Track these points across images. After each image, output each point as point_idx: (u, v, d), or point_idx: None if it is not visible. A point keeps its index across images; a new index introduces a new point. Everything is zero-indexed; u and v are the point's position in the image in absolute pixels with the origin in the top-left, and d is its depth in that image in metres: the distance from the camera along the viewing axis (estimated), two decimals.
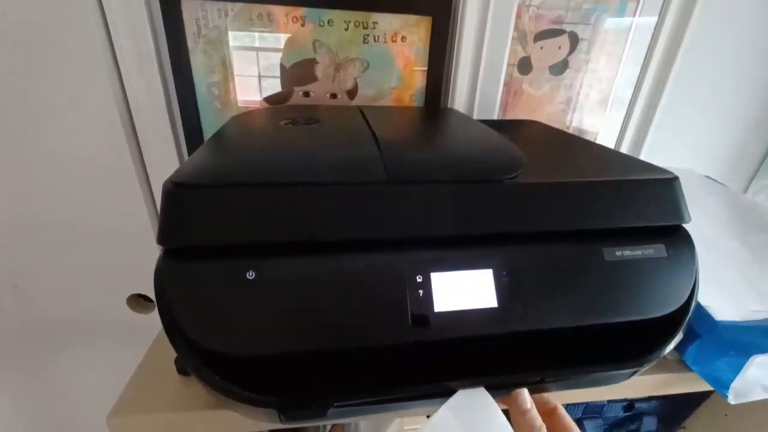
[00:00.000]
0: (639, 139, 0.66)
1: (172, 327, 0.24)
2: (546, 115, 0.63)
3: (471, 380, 0.27)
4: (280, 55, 0.52)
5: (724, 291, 0.35)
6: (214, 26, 0.49)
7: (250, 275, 0.25)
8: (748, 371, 0.32)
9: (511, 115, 0.61)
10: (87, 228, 0.59)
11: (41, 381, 0.77)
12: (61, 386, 0.78)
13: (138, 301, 0.70)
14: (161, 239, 0.25)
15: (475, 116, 0.58)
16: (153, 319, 0.70)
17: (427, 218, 0.27)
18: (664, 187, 0.32)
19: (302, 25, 0.51)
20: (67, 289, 0.65)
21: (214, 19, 0.49)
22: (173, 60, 0.50)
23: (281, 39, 0.51)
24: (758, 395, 0.33)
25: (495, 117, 0.60)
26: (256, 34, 0.51)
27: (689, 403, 0.54)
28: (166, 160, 0.56)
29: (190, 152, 0.56)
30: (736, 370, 0.32)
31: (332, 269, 0.26)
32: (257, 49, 0.51)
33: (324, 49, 0.52)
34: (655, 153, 0.67)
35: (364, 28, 0.52)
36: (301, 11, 0.50)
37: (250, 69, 0.52)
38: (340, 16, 0.51)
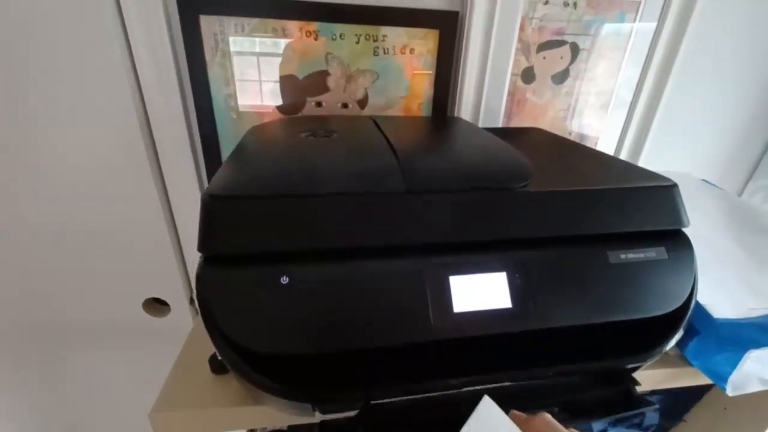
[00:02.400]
0: (638, 144, 0.68)
1: (213, 327, 0.26)
2: (548, 121, 0.65)
3: (488, 375, 0.29)
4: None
5: (722, 290, 0.37)
6: (231, 40, 0.52)
7: (284, 280, 0.27)
8: (745, 365, 0.34)
9: (515, 123, 0.64)
10: (104, 234, 0.61)
11: (58, 384, 0.79)
12: (77, 389, 0.80)
13: (153, 305, 0.72)
14: (201, 247, 0.27)
15: (481, 124, 0.60)
16: (168, 323, 0.72)
17: (444, 225, 0.29)
18: (664, 194, 0.34)
19: (315, 39, 0.53)
20: (84, 293, 0.67)
21: (231, 34, 0.51)
22: (191, 72, 0.52)
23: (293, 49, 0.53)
24: (755, 387, 0.35)
25: (500, 125, 0.62)
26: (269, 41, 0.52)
27: (690, 397, 0.56)
28: (182, 169, 0.58)
29: (206, 161, 0.58)
30: (734, 364, 0.34)
31: (359, 274, 0.28)
32: (269, 54, 0.53)
33: (336, 62, 0.54)
34: (654, 157, 0.69)
35: (374, 41, 0.54)
36: (314, 26, 0.52)
37: (267, 76, 0.54)
38: (352, 30, 0.53)
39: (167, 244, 0.63)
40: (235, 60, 0.52)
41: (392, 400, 0.28)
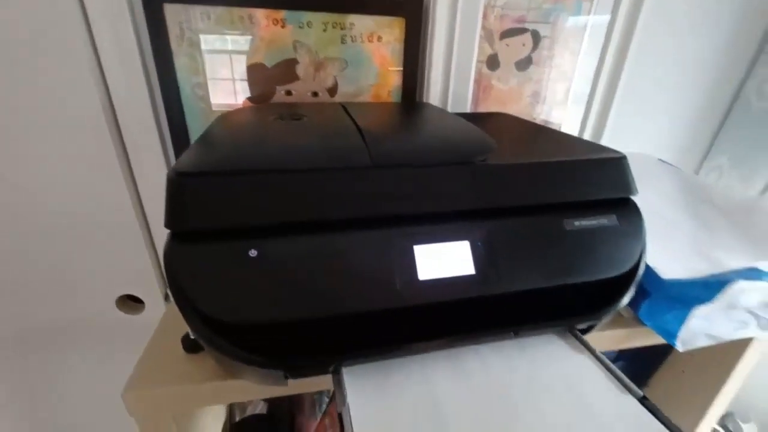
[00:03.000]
0: (599, 128, 0.71)
1: (183, 302, 0.26)
2: (514, 107, 0.67)
3: (455, 338, 0.31)
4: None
5: (671, 255, 0.40)
6: (196, 29, 0.51)
7: (253, 253, 0.27)
8: (692, 322, 0.37)
9: (483, 109, 0.66)
10: (73, 231, 0.60)
11: (34, 387, 0.76)
12: (54, 391, 0.78)
13: (127, 303, 0.70)
14: (168, 224, 0.27)
15: (449, 110, 0.62)
16: (144, 320, 0.71)
17: (409, 198, 0.31)
18: (614, 165, 0.36)
19: (282, 27, 0.53)
20: (54, 293, 0.65)
21: (197, 23, 0.51)
22: (157, 63, 0.52)
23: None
24: (702, 342, 0.38)
25: (468, 110, 0.64)
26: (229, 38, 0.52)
27: (650, 363, 0.59)
28: (152, 161, 0.57)
29: (176, 153, 0.58)
30: (682, 321, 0.37)
31: (326, 246, 0.29)
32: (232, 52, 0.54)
33: (304, 49, 0.55)
34: (615, 140, 0.73)
35: (341, 29, 0.55)
36: (281, 14, 0.52)
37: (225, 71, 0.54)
38: (319, 18, 0.54)
39: (139, 240, 0.63)
40: (207, 58, 0.52)
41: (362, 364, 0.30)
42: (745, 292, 0.38)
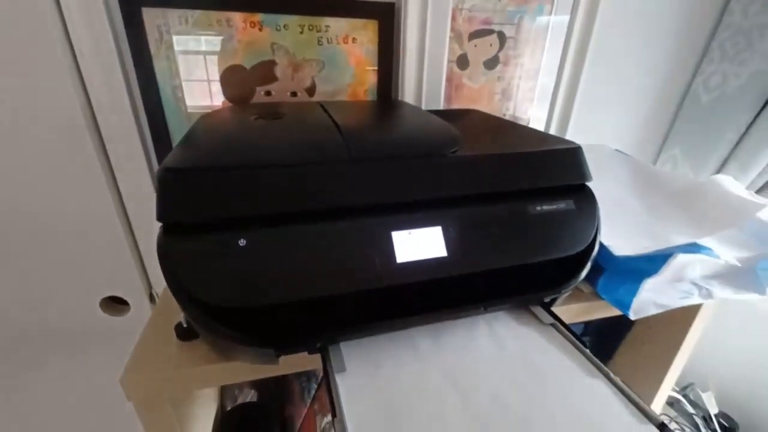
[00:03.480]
0: (564, 122, 0.76)
1: (178, 290, 0.28)
2: (485, 105, 0.71)
3: (432, 314, 0.34)
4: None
5: (624, 235, 0.44)
6: (175, 32, 0.53)
7: (242, 243, 0.30)
8: (642, 293, 0.41)
9: (455, 106, 0.69)
10: (54, 233, 0.60)
11: (21, 395, 0.75)
12: (42, 398, 0.77)
13: (111, 305, 0.71)
14: (160, 217, 0.29)
15: (423, 107, 0.65)
16: (129, 321, 0.71)
17: (385, 188, 0.33)
18: (570, 155, 0.40)
19: (260, 30, 0.55)
20: (36, 297, 0.65)
21: (175, 26, 0.52)
22: (137, 66, 0.53)
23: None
24: (652, 311, 0.42)
25: (441, 107, 0.67)
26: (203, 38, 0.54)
27: (614, 339, 0.64)
28: (133, 163, 0.58)
29: (158, 155, 0.59)
30: (633, 293, 0.41)
31: (311, 234, 0.31)
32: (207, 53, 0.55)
33: (282, 51, 0.57)
34: (579, 134, 0.78)
35: (317, 31, 0.57)
36: (258, 17, 0.54)
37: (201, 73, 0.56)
38: (295, 21, 0.56)
39: (122, 241, 0.63)
40: (180, 59, 0.53)
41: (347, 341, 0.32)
42: (689, 265, 0.43)
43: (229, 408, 0.51)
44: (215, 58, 0.55)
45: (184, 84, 0.55)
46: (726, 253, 0.42)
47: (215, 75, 0.56)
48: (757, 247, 0.44)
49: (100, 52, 0.50)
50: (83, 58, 0.50)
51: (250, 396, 0.53)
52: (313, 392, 0.54)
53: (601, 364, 0.32)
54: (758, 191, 0.75)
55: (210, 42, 0.54)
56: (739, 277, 0.44)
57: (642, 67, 0.79)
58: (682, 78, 0.82)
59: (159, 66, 0.53)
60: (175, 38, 0.52)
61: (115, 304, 0.71)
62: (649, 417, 0.28)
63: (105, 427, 0.82)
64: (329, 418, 0.52)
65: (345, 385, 0.29)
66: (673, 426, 0.31)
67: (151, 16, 0.51)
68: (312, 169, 0.31)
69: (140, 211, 0.62)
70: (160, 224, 0.29)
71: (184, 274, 0.28)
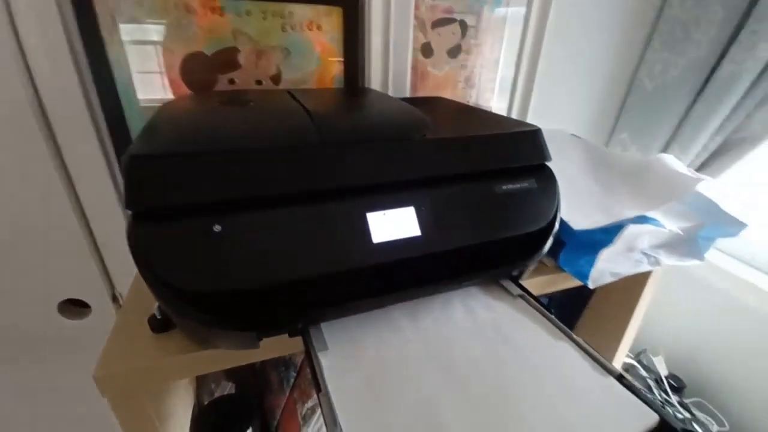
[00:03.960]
0: (524, 109, 0.79)
1: (151, 278, 0.28)
2: (450, 92, 0.73)
3: (408, 292, 0.35)
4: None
5: (580, 211, 0.47)
6: (128, 18, 0.50)
7: (216, 228, 0.29)
8: (599, 264, 0.45)
9: (421, 94, 0.70)
10: (6, 235, 0.56)
11: None
12: (2, 406, 0.72)
13: (70, 308, 0.67)
14: (128, 204, 0.28)
15: (390, 95, 0.66)
16: (91, 324, 0.67)
17: (358, 171, 0.34)
18: (531, 137, 0.42)
19: (221, 15, 0.53)
20: None
21: (129, 11, 0.50)
22: (89, 55, 0.50)
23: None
24: (608, 279, 0.46)
25: (407, 95, 0.68)
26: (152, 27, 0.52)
27: (576, 309, 0.69)
28: (89, 158, 0.55)
29: (116, 148, 0.56)
30: (591, 263, 0.44)
31: (287, 217, 0.31)
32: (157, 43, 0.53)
33: (245, 38, 0.55)
34: (538, 119, 0.81)
35: (281, 17, 0.56)
36: (218, 2, 0.53)
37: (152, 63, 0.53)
38: (257, 7, 0.55)
39: (80, 242, 0.60)
40: (129, 50, 0.51)
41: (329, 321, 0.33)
42: (638, 236, 0.47)
43: (206, 402, 0.50)
44: (170, 47, 0.53)
45: (134, 76, 0.52)
46: (671, 224, 0.46)
47: (166, 65, 0.54)
48: (697, 218, 0.49)
49: (48, 40, 0.47)
50: (30, 47, 0.47)
51: (228, 389, 0.52)
52: (292, 381, 0.54)
53: (566, 328, 0.35)
54: (698, 169, 0.82)
55: (160, 32, 0.52)
56: (682, 245, 0.49)
57: (593, 58, 0.84)
58: (629, 67, 0.88)
59: (113, 54, 0.51)
60: (121, 26, 0.49)
61: (74, 307, 0.67)
62: (609, 370, 0.30)
63: (70, 428, 0.78)
64: (309, 404, 0.53)
65: (328, 361, 0.30)
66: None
67: (102, 1, 0.48)
68: (285, 153, 0.31)
69: (98, 210, 0.59)
70: (125, 217, 0.29)
71: (157, 262, 0.28)
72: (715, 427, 0.80)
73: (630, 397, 0.28)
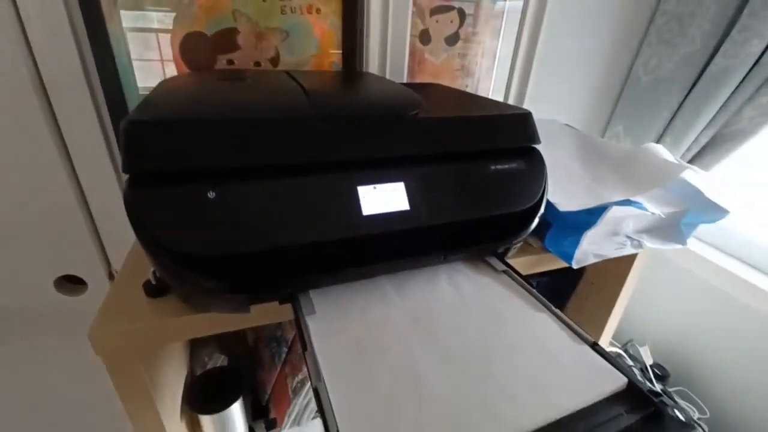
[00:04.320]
0: (520, 99, 0.80)
1: (147, 239, 0.29)
2: (447, 80, 0.74)
3: (394, 263, 0.36)
4: None
5: (568, 194, 0.48)
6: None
7: (211, 194, 0.30)
8: (583, 245, 0.46)
9: (418, 80, 0.71)
10: (3, 210, 0.57)
11: None
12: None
13: (66, 285, 0.68)
14: (125, 168, 0.29)
15: None
16: (88, 301, 0.69)
17: (351, 146, 0.35)
18: (521, 119, 0.43)
19: None
20: None
21: None
22: (89, 31, 0.51)
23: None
24: (591, 260, 0.47)
25: (404, 81, 0.69)
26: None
27: (563, 294, 0.71)
28: (87, 133, 0.56)
29: (114, 125, 0.57)
30: (575, 245, 0.46)
31: (280, 188, 0.32)
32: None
33: (244, 19, 0.56)
34: (534, 109, 0.82)
35: (280, 0, 0.57)
36: None
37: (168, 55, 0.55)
38: None
39: (78, 218, 0.61)
40: (130, 37, 0.52)
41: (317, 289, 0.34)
42: (623, 221, 0.48)
43: (198, 373, 0.52)
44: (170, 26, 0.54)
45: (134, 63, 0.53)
46: (654, 209, 0.48)
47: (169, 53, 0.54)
48: (681, 204, 0.50)
49: (48, 13, 0.48)
50: (30, 21, 0.48)
51: (220, 362, 0.53)
52: (283, 356, 0.56)
53: (546, 301, 0.36)
54: (689, 162, 0.83)
55: (164, 25, 0.52)
56: (665, 230, 0.51)
57: (590, 50, 0.85)
58: (626, 60, 0.89)
59: (113, 29, 0.51)
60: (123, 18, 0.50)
61: (70, 284, 0.68)
62: (584, 339, 0.32)
63: (65, 406, 0.79)
64: (299, 377, 0.54)
65: (315, 324, 0.31)
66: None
67: None
68: (280, 125, 0.32)
69: (96, 186, 0.60)
70: (121, 188, 0.29)
71: (151, 224, 0.29)
72: (696, 415, 0.82)
73: (602, 363, 0.30)
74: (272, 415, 0.57)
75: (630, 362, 0.93)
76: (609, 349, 0.93)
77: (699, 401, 0.85)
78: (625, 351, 0.96)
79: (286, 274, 0.33)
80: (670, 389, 0.88)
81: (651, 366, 0.91)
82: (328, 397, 0.25)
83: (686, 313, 0.93)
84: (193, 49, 0.56)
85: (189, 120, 0.30)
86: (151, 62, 0.55)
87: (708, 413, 0.83)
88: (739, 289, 0.79)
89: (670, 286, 0.96)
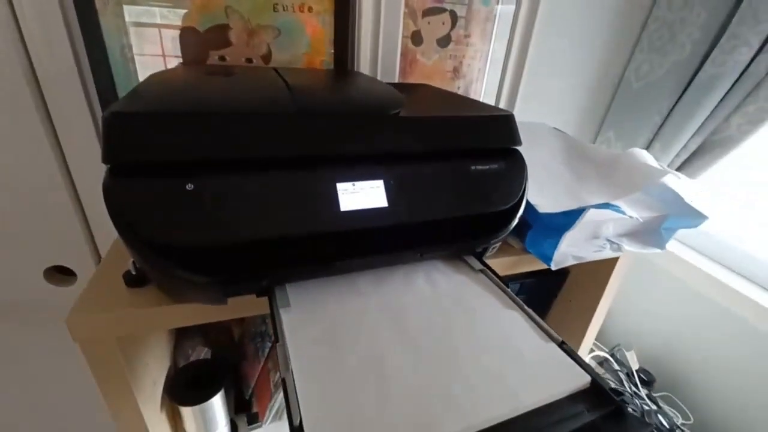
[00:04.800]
0: (510, 103, 0.81)
1: (125, 229, 0.29)
2: (438, 81, 0.74)
3: (371, 259, 0.37)
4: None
5: (550, 196, 0.49)
6: None
7: (189, 187, 0.31)
8: (562, 246, 0.46)
9: (410, 81, 0.72)
10: None
11: None
12: None
13: (56, 276, 0.69)
14: (105, 159, 0.30)
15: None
16: (75, 292, 0.69)
17: (331, 142, 0.36)
18: (503, 121, 0.44)
19: None
20: None
21: None
22: (82, 23, 0.51)
23: None
24: (570, 262, 0.48)
25: (395, 81, 0.70)
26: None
27: (547, 297, 0.71)
28: (79, 127, 0.56)
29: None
30: (554, 246, 0.46)
31: (258, 182, 0.33)
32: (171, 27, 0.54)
33: (236, 16, 0.57)
34: (524, 117, 0.83)
35: None
36: None
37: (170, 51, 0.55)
38: None
39: (67, 208, 0.61)
40: (132, 32, 0.52)
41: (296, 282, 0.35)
42: (603, 224, 0.49)
43: (182, 365, 0.52)
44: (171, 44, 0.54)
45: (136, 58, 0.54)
46: (634, 213, 0.48)
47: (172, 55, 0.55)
48: (661, 209, 0.51)
49: (42, 7, 0.48)
50: (24, 18, 0.48)
51: (203, 354, 0.54)
52: (267, 351, 0.56)
53: (518, 299, 0.37)
54: (678, 168, 0.84)
55: (167, 20, 0.53)
56: (644, 234, 0.51)
57: (582, 56, 0.85)
58: (618, 66, 0.90)
59: (106, 22, 0.52)
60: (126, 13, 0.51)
61: (60, 274, 0.69)
62: (552, 337, 0.32)
63: (55, 395, 0.80)
64: None
65: (288, 317, 0.32)
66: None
67: None
68: (260, 119, 0.33)
69: (86, 178, 0.60)
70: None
71: (129, 214, 0.29)
72: (680, 420, 0.83)
73: (568, 361, 0.30)
74: (254, 409, 0.58)
75: (616, 366, 0.94)
76: (596, 353, 0.94)
77: (683, 406, 0.86)
78: (612, 356, 0.96)
79: (263, 267, 0.33)
80: (655, 394, 0.89)
81: (637, 371, 0.91)
82: (294, 387, 0.26)
83: (673, 319, 0.93)
84: (186, 45, 0.56)
85: (168, 112, 0.31)
86: (153, 57, 0.55)
87: (692, 419, 0.84)
88: (726, 295, 0.79)
89: (657, 292, 0.97)
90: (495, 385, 0.28)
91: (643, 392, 0.88)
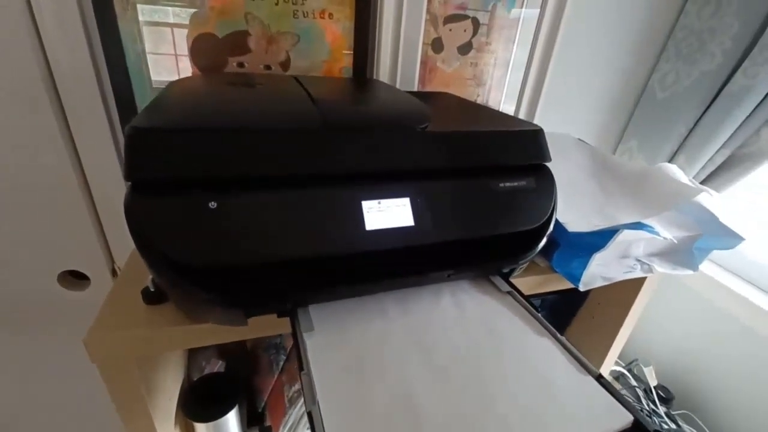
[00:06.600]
0: (531, 111, 0.79)
1: (146, 248, 0.28)
2: (458, 89, 0.73)
3: (397, 280, 0.35)
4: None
5: (578, 213, 0.47)
6: None
7: (212, 205, 0.30)
8: (591, 267, 0.45)
9: (429, 89, 0.70)
10: (9, 203, 0.57)
11: None
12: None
13: (70, 280, 0.68)
14: (127, 175, 0.29)
15: (398, 88, 0.66)
16: (90, 297, 0.69)
17: (357, 158, 0.34)
18: (532, 136, 0.42)
19: None
20: None
21: None
22: (101, 27, 0.50)
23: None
24: (599, 283, 0.46)
25: (415, 89, 0.68)
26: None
27: (567, 313, 0.69)
28: (95, 129, 0.56)
29: (122, 121, 0.57)
30: (584, 266, 0.45)
31: (282, 199, 0.32)
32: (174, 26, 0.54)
33: (256, 22, 0.56)
34: (544, 125, 0.80)
35: (293, 3, 0.56)
36: None
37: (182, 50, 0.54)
38: None
39: (83, 213, 0.61)
40: (146, 30, 0.52)
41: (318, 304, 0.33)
42: (633, 243, 0.47)
43: (196, 378, 0.51)
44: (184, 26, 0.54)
45: (149, 56, 0.53)
46: (667, 232, 0.46)
47: (180, 46, 0.54)
48: (695, 228, 0.49)
49: (60, 10, 0.48)
50: (42, 15, 0.48)
51: (217, 367, 0.53)
52: (281, 364, 0.55)
53: (550, 326, 0.35)
54: (703, 182, 0.81)
55: (179, 19, 0.53)
56: (676, 255, 0.49)
57: (606, 64, 0.83)
58: (642, 75, 0.87)
59: (124, 27, 0.51)
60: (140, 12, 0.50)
61: (74, 279, 0.68)
62: (588, 370, 0.31)
63: (65, 402, 0.80)
64: (297, 387, 0.53)
65: (312, 342, 0.30)
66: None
67: None
68: (285, 135, 0.32)
69: (102, 182, 0.60)
70: (125, 190, 0.29)
71: (150, 232, 0.28)
72: None
73: (607, 397, 0.28)
74: (267, 423, 0.57)
75: (633, 382, 0.91)
76: (613, 368, 0.92)
77: (704, 426, 0.83)
78: (629, 371, 0.94)
79: (286, 289, 0.32)
80: (674, 412, 0.86)
81: (655, 387, 0.89)
82: (322, 422, 0.24)
83: (694, 336, 0.90)
84: (204, 50, 0.56)
85: (192, 129, 0.30)
86: (165, 56, 0.55)
87: None
88: (749, 314, 0.76)
89: (678, 307, 0.94)
90: (530, 423, 0.26)
91: (661, 410, 0.85)
